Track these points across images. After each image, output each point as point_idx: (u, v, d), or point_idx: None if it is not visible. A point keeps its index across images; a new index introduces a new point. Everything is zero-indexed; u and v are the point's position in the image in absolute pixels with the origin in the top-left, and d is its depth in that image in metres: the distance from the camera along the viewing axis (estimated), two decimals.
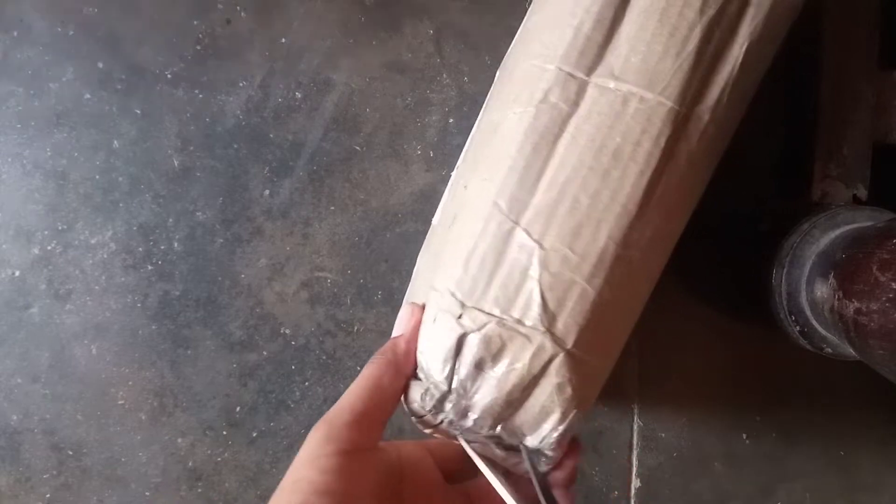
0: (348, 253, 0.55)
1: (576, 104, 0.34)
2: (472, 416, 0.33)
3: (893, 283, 0.33)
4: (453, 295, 0.33)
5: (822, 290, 0.42)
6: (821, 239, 0.44)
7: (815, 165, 0.49)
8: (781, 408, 0.57)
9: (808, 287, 0.44)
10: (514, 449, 0.34)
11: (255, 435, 0.55)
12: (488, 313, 0.33)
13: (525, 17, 0.41)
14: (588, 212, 0.33)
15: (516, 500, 0.31)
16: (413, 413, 0.34)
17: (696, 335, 0.56)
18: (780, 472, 0.57)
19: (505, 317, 0.33)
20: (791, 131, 0.54)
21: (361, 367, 0.55)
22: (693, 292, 0.56)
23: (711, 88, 0.34)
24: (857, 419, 0.57)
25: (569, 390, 0.32)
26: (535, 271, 0.32)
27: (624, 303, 0.35)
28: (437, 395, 0.33)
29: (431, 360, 0.33)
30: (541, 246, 0.33)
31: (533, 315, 0.32)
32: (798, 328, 0.45)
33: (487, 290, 0.33)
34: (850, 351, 0.41)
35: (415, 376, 0.35)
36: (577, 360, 0.33)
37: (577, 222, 0.33)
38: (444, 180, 0.55)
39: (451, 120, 0.55)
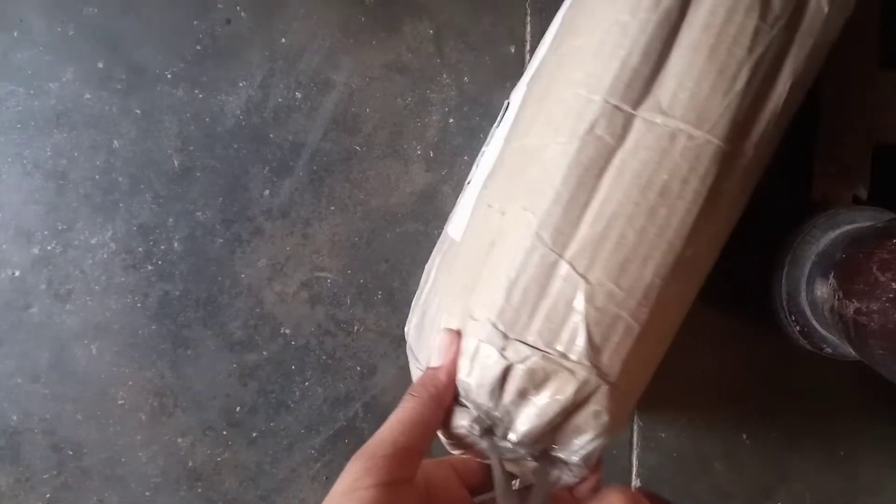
0: (348, 253, 0.55)
1: (622, 138, 0.33)
2: (512, 438, 0.33)
3: (893, 283, 0.33)
4: (494, 326, 0.33)
5: (822, 290, 0.42)
6: (821, 239, 0.44)
7: (815, 165, 0.49)
8: (781, 408, 0.57)
9: (808, 287, 0.44)
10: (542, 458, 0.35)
11: (255, 435, 0.55)
12: (532, 346, 0.33)
13: (553, 34, 0.40)
14: (634, 248, 0.33)
15: None
16: (455, 437, 0.35)
17: (696, 335, 0.56)
18: (780, 472, 0.57)
19: (549, 350, 0.32)
20: (791, 131, 0.54)
21: (362, 367, 0.55)
22: None
23: (756, 126, 0.34)
24: (857, 419, 0.57)
25: (605, 417, 0.33)
26: (580, 305, 0.32)
27: (664, 335, 0.35)
28: (488, 422, 0.34)
29: (478, 389, 0.33)
30: (586, 280, 0.32)
31: (578, 350, 0.32)
32: (798, 328, 0.45)
33: (530, 322, 0.33)
34: (850, 351, 0.41)
35: (458, 402, 0.35)
36: (618, 391, 0.33)
37: (624, 258, 0.33)
38: (445, 180, 0.55)
39: (451, 120, 0.55)
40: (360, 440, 0.51)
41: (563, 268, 0.33)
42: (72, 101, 0.53)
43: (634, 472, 0.56)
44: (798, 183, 0.51)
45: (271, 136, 0.54)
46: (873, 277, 0.35)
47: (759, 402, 0.57)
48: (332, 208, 0.55)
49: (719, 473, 0.57)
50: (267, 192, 0.55)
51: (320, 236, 0.55)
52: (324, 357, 0.55)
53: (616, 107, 0.33)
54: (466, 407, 0.34)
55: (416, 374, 0.40)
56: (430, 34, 0.55)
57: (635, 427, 0.56)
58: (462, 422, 0.34)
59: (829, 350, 0.45)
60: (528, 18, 0.55)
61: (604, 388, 0.32)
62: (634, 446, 0.56)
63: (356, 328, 0.55)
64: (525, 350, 0.33)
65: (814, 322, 0.45)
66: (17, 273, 0.53)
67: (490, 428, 0.34)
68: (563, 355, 0.32)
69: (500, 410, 0.33)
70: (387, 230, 0.55)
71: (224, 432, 0.55)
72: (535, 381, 0.33)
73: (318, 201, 0.55)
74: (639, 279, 0.33)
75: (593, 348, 0.32)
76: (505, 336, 0.33)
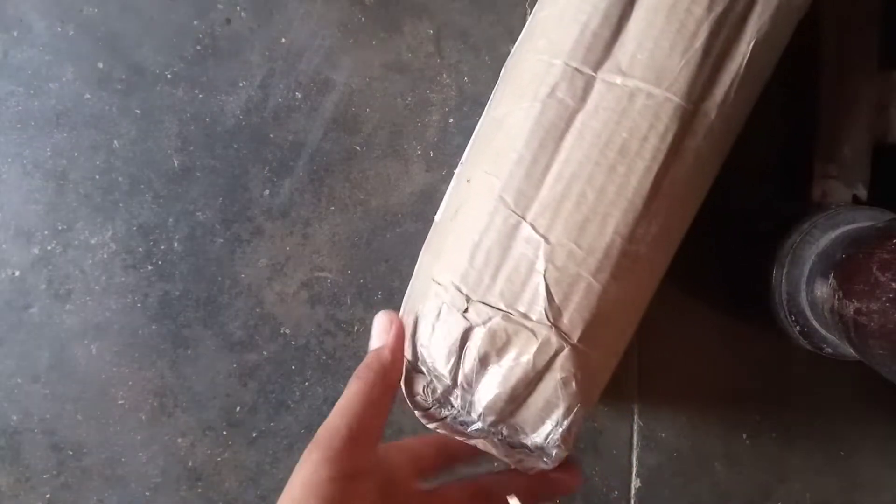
0: (348, 253, 0.55)
1: (583, 100, 0.34)
2: (476, 410, 0.33)
3: (893, 283, 0.33)
4: (458, 288, 0.33)
5: (822, 290, 0.42)
6: (821, 239, 0.45)
7: (815, 165, 0.49)
8: (781, 408, 0.57)
9: (808, 287, 0.44)
10: (517, 446, 0.34)
11: (255, 435, 0.55)
12: (494, 307, 0.33)
13: (530, 15, 0.41)
14: (594, 206, 0.33)
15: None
16: (416, 406, 0.34)
17: (696, 335, 0.56)
18: (780, 472, 0.57)
19: (510, 311, 0.33)
20: (791, 131, 0.54)
21: None
22: (693, 292, 0.56)
23: (718, 85, 0.35)
24: (857, 419, 0.57)
25: (573, 385, 0.33)
26: (541, 265, 0.33)
27: (629, 298, 0.35)
28: (441, 388, 0.33)
29: (436, 353, 0.33)
30: (546, 240, 0.33)
31: (539, 309, 0.32)
32: (798, 328, 0.45)
33: (493, 283, 0.33)
34: (850, 351, 0.41)
35: (416, 369, 0.35)
36: (583, 355, 0.33)
37: (583, 217, 0.33)
38: (445, 180, 0.55)
39: (451, 120, 0.55)
40: None
41: (525, 229, 0.33)
42: (72, 101, 0.53)
43: (634, 472, 0.56)
44: (798, 183, 0.51)
45: (271, 136, 0.54)
46: (873, 277, 0.35)
47: (758, 402, 0.57)
48: (332, 208, 0.55)
49: (719, 473, 0.57)
50: (267, 192, 0.55)
51: (320, 236, 0.55)
52: (324, 357, 0.55)
53: (577, 69, 0.34)
54: (421, 373, 0.34)
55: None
56: (430, 34, 0.55)
57: (635, 427, 0.56)
58: (417, 388, 0.34)
59: (829, 350, 0.45)
60: (528, 18, 0.55)
61: (566, 351, 0.32)
62: (634, 446, 0.56)
63: (356, 328, 0.55)
64: (487, 311, 0.33)
65: (814, 322, 0.45)
66: (17, 273, 0.53)
67: (446, 396, 0.33)
68: (525, 315, 0.32)
69: (461, 379, 0.33)
70: (387, 230, 0.55)
71: (224, 432, 0.55)
72: (497, 344, 0.32)
73: (318, 201, 0.55)
74: (599, 238, 0.33)
75: (553, 308, 0.32)
76: (468, 298, 0.33)
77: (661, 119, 0.33)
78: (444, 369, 0.33)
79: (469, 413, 0.33)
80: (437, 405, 0.33)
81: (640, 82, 0.33)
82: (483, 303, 0.33)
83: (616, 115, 0.33)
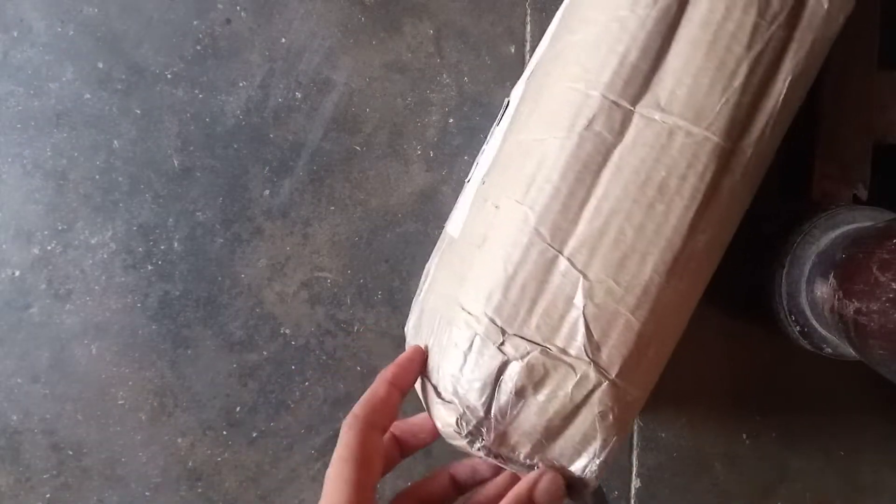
0: (348, 253, 0.55)
1: (620, 134, 0.33)
2: (511, 442, 0.33)
3: (893, 283, 0.33)
4: (492, 321, 0.33)
5: (822, 290, 0.42)
6: (821, 239, 0.44)
7: (815, 165, 0.49)
8: (781, 408, 0.57)
9: (808, 287, 0.44)
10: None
11: (255, 435, 0.55)
12: (531, 341, 0.33)
13: (552, 31, 0.40)
14: (633, 244, 0.33)
15: None
16: (446, 435, 0.34)
17: (696, 335, 0.56)
18: (780, 472, 0.57)
19: (548, 346, 0.32)
20: (791, 131, 0.54)
21: (362, 367, 0.55)
22: None
23: (755, 123, 0.34)
24: (857, 419, 0.57)
25: (611, 419, 0.33)
26: (579, 301, 0.32)
27: (665, 333, 0.35)
28: (474, 420, 0.33)
29: (469, 384, 0.33)
30: (585, 276, 0.33)
31: (577, 345, 0.32)
32: (798, 328, 0.45)
33: (529, 317, 0.33)
34: (850, 351, 0.41)
35: (444, 398, 0.34)
36: (620, 389, 0.33)
37: (622, 254, 0.33)
38: (445, 180, 0.55)
39: (451, 120, 0.55)
40: None
41: (562, 263, 0.33)
42: (72, 101, 0.53)
43: (634, 472, 0.56)
44: (798, 183, 0.51)
45: (271, 136, 0.54)
46: (873, 277, 0.35)
47: (759, 402, 0.57)
48: (332, 208, 0.55)
49: (719, 473, 0.57)
50: (267, 192, 0.55)
51: (320, 236, 0.55)
52: (324, 357, 0.55)
53: (614, 103, 0.33)
54: (452, 403, 0.34)
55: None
56: (430, 34, 0.55)
57: (635, 427, 0.56)
58: (448, 419, 0.34)
59: (829, 350, 0.45)
60: (528, 18, 0.55)
61: (605, 385, 0.32)
62: (634, 446, 0.56)
63: (356, 328, 0.55)
64: (524, 345, 0.33)
65: (814, 322, 0.45)
66: (17, 273, 0.53)
67: (479, 428, 0.33)
68: (563, 350, 0.32)
69: (495, 411, 0.33)
70: (387, 230, 0.55)
71: (224, 432, 0.55)
72: (534, 378, 0.32)
73: (318, 201, 0.55)
74: (637, 276, 0.33)
75: (592, 344, 0.32)
76: (503, 331, 0.33)
77: (700, 159, 0.33)
78: (477, 402, 0.33)
79: (503, 444, 0.33)
80: (470, 437, 0.33)
81: (680, 119, 0.33)
82: (520, 336, 0.33)
83: (655, 151, 0.33)
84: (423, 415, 0.37)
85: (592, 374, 0.32)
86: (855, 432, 0.57)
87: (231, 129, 0.54)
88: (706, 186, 0.33)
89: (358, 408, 0.33)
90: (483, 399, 0.33)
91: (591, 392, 0.32)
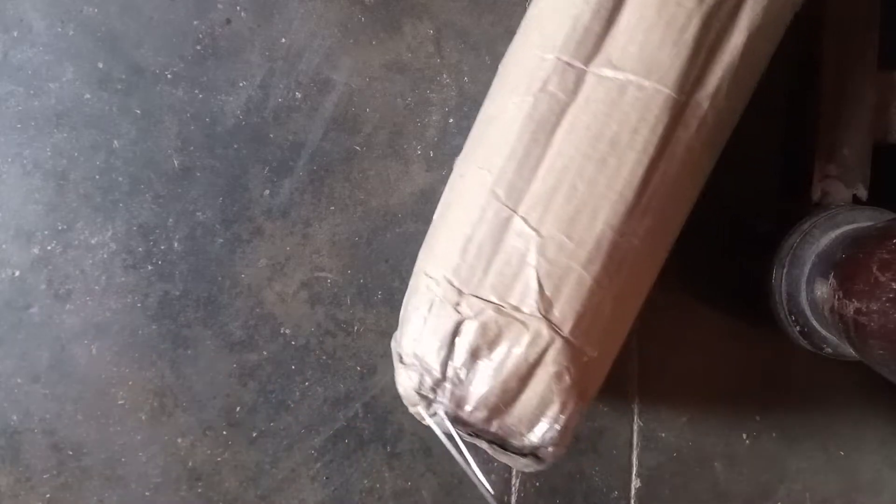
0: (348, 253, 0.55)
1: (574, 93, 0.34)
2: (468, 406, 0.33)
3: (893, 283, 0.33)
4: (450, 282, 0.33)
5: (822, 290, 0.42)
6: (821, 239, 0.45)
7: (815, 165, 0.49)
8: (781, 408, 0.57)
9: (808, 287, 0.44)
10: (510, 450, 0.34)
11: (255, 435, 0.55)
12: (485, 300, 0.33)
13: (527, 12, 0.41)
14: (584, 198, 0.33)
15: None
16: (406, 399, 0.34)
17: (696, 335, 0.56)
18: (780, 472, 0.57)
19: (502, 303, 0.33)
20: (791, 131, 0.54)
21: (362, 367, 0.55)
22: (693, 292, 0.56)
23: (711, 77, 0.34)
24: (857, 419, 0.57)
25: (567, 379, 0.32)
26: (532, 258, 0.33)
27: (623, 292, 0.35)
28: (430, 381, 0.33)
29: (427, 346, 0.33)
30: (538, 233, 0.33)
31: (530, 301, 0.32)
32: (798, 328, 0.45)
33: (485, 277, 0.33)
34: (850, 351, 0.41)
35: (406, 363, 0.35)
36: (575, 348, 0.33)
37: (574, 209, 0.33)
38: (445, 180, 0.55)
39: (451, 120, 0.55)
40: (360, 440, 0.52)
41: (517, 222, 0.33)
42: (72, 101, 0.53)
43: (634, 472, 0.56)
44: (798, 183, 0.51)
45: (271, 136, 0.54)
46: (873, 277, 0.35)
47: (759, 402, 0.57)
48: (332, 208, 0.55)
49: (719, 473, 0.57)
50: (267, 192, 0.55)
51: (320, 236, 0.55)
52: (324, 357, 0.55)
53: (568, 63, 0.34)
54: (413, 366, 0.34)
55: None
56: (430, 34, 0.55)
57: (635, 427, 0.56)
58: (404, 380, 0.34)
59: (829, 350, 0.45)
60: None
61: (558, 343, 0.32)
62: (634, 446, 0.56)
63: (356, 328, 0.55)
64: (479, 304, 0.33)
65: (814, 322, 0.45)
66: (17, 273, 0.53)
67: (435, 387, 0.33)
68: (516, 308, 0.33)
69: (451, 373, 0.33)
70: (387, 230, 0.55)
71: (224, 432, 0.55)
72: (488, 337, 0.32)
73: (318, 201, 0.55)
74: (589, 229, 0.33)
75: (545, 300, 0.32)
76: (460, 292, 0.33)
77: (652, 110, 0.33)
78: (434, 363, 0.33)
79: (461, 408, 0.33)
80: (427, 400, 0.33)
81: (631, 75, 0.33)
82: (475, 296, 0.33)
83: (606, 107, 0.33)
84: None
85: (545, 331, 0.32)
86: (855, 432, 0.58)
87: (231, 129, 0.54)
88: (658, 138, 0.33)
89: None
90: (440, 360, 0.33)
91: (545, 350, 0.32)
